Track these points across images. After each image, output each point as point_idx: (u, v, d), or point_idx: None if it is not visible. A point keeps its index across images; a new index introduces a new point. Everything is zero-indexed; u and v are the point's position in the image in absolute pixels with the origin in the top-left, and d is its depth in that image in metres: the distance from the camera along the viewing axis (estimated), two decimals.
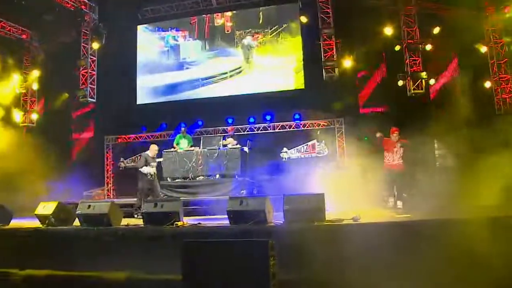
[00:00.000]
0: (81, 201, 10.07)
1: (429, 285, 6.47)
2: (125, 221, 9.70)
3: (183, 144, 15.22)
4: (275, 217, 8.78)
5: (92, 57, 18.09)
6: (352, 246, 7.03)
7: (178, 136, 15.61)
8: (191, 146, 15.19)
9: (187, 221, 9.26)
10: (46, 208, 9.79)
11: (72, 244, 8.67)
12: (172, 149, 15.08)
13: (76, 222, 9.61)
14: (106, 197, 18.66)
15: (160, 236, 8.23)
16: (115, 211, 9.35)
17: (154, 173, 12.42)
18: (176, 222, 8.65)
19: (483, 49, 15.58)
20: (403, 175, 11.19)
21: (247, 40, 18.21)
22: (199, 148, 15.02)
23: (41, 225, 9.59)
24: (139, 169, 12.37)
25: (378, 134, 11.51)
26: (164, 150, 15.19)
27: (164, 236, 8.21)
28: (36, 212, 9.85)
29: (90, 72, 17.96)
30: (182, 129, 15.45)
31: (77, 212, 9.37)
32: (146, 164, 12.31)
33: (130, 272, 7.66)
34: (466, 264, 6.25)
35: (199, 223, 8.92)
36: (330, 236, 7.47)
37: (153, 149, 12.66)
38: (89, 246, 8.49)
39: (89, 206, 9.33)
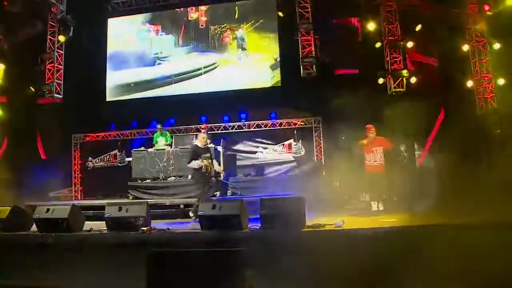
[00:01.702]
0: (38, 204, 9.30)
1: None
2: (88, 226, 8.95)
3: (160, 142, 14.68)
4: (252, 222, 8.13)
5: (59, 50, 17.10)
6: (335, 255, 6.43)
7: (155, 134, 15.08)
8: (169, 143, 14.74)
9: (155, 226, 8.57)
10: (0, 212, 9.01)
11: (27, 251, 7.90)
12: (143, 148, 14.37)
13: (35, 228, 8.84)
14: (73, 198, 17.72)
15: (123, 243, 7.51)
16: (76, 216, 8.63)
17: (208, 164, 10.31)
18: (142, 228, 7.94)
19: (465, 47, 15.15)
20: (384, 177, 10.83)
21: (240, 32, 17.46)
22: (170, 148, 14.33)
23: None
24: (188, 166, 10.54)
25: (364, 141, 11.02)
26: (133, 149, 14.54)
27: (128, 244, 7.49)
28: None
29: (57, 67, 16.96)
30: (158, 126, 14.92)
31: (34, 216, 8.60)
32: (196, 157, 10.27)
33: (90, 284, 6.92)
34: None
35: (168, 229, 8.23)
36: (311, 244, 6.88)
37: (202, 138, 10.66)
38: (45, 254, 7.75)
39: (48, 209, 8.60)
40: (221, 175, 12.95)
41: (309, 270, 6.29)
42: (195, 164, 10.16)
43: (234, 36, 17.56)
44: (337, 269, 6.15)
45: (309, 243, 7.02)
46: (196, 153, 10.28)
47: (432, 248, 6.09)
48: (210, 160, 10.38)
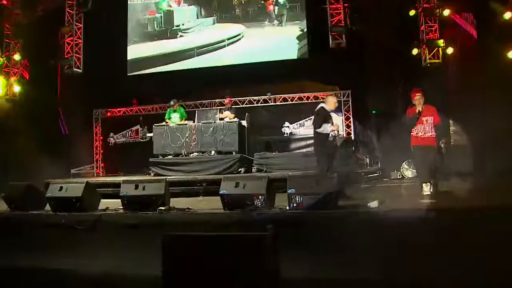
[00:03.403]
0: (51, 181, 8.82)
1: None
2: (106, 204, 8.45)
3: (174, 118, 14.10)
4: (279, 201, 7.52)
5: (77, 24, 16.60)
6: (369, 238, 5.82)
7: (169, 109, 14.51)
8: (185, 120, 14.02)
9: (175, 204, 8.02)
10: (15, 189, 8.56)
11: (40, 232, 7.45)
12: (164, 124, 13.85)
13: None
14: (95, 174, 17.47)
15: (140, 224, 6.97)
16: (91, 194, 8.12)
17: (337, 134, 9.21)
18: (160, 207, 7.38)
19: (507, 15, 14.11)
20: (436, 152, 9.18)
21: None
22: (193, 122, 13.78)
23: (6, 209, 8.32)
24: (316, 130, 8.93)
25: (419, 108, 8.64)
26: (155, 124, 14.01)
27: (145, 224, 6.95)
28: (2, 194, 8.61)
29: (76, 40, 16.49)
30: (172, 102, 14.25)
31: (47, 195, 8.12)
32: (327, 120, 8.91)
33: (105, 266, 6.41)
34: None
35: (188, 208, 7.64)
36: (343, 226, 6.24)
37: (332, 101, 9.24)
38: (59, 234, 7.27)
39: (61, 188, 8.08)
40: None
41: (339, 255, 5.68)
42: (327, 128, 8.72)
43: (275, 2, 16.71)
44: (369, 255, 5.57)
45: (340, 225, 6.38)
46: (327, 116, 8.88)
47: None
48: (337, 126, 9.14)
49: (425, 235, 5.80)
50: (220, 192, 7.26)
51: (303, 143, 15.75)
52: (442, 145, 11.74)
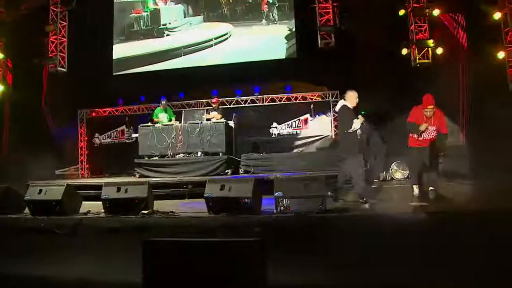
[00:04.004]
0: (31, 184, 8.54)
1: None
2: (88, 207, 8.18)
3: (162, 118, 13.84)
4: (266, 203, 7.30)
5: (62, 22, 16.29)
6: (358, 242, 5.68)
7: (157, 109, 14.28)
8: (173, 120, 13.89)
9: (159, 207, 7.78)
10: None
11: (18, 236, 7.17)
12: (150, 124, 13.58)
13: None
14: (80, 176, 17.13)
15: (122, 228, 6.72)
16: (71, 197, 7.84)
17: (360, 133, 8.41)
18: (143, 211, 7.13)
19: (497, 15, 14.00)
20: (433, 153, 8.38)
21: None
22: (179, 123, 13.54)
23: None
24: (350, 130, 8.01)
25: (423, 127, 8.15)
26: (140, 125, 13.75)
27: (127, 229, 6.69)
28: None
29: (60, 39, 16.18)
30: (162, 102, 14.00)
31: (25, 198, 7.83)
32: (354, 116, 8.11)
33: (82, 272, 6.15)
34: None
35: (172, 212, 7.40)
36: (333, 230, 6.03)
37: (353, 96, 8.31)
38: (37, 239, 7.00)
39: (40, 190, 7.80)
40: None
41: (328, 259, 5.48)
42: (358, 123, 7.95)
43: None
44: (360, 259, 5.38)
45: (329, 229, 6.17)
46: (350, 115, 8.05)
47: None
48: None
49: (417, 239, 5.63)
50: (205, 195, 7.02)
51: (292, 143, 15.65)
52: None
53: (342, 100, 8.31)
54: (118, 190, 7.53)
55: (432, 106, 7.96)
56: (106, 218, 7.31)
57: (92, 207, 8.28)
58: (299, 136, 15.85)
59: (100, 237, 6.76)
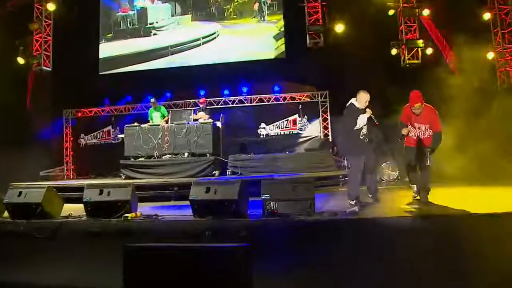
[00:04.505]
0: (10, 186, 8.28)
1: None
2: (70, 210, 7.94)
3: (155, 118, 13.67)
4: (253, 206, 7.11)
5: (47, 20, 16.01)
6: (351, 248, 5.54)
7: (150, 110, 14.06)
8: (166, 118, 13.73)
9: (143, 210, 7.57)
10: None
11: None
12: (136, 124, 13.34)
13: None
14: (65, 177, 16.90)
15: (103, 232, 6.50)
16: (52, 199, 7.58)
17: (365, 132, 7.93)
18: (126, 214, 6.91)
19: (486, 15, 13.96)
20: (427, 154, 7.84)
21: None
22: (166, 123, 13.31)
23: None
24: (356, 128, 7.72)
25: (404, 131, 7.89)
26: (126, 125, 13.49)
27: (109, 233, 6.48)
28: None
29: (45, 37, 15.91)
30: (152, 100, 13.81)
31: (4, 201, 7.58)
32: (357, 114, 7.75)
33: (62, 278, 5.94)
34: None
35: (156, 215, 7.18)
36: (322, 234, 5.87)
37: (363, 97, 7.80)
38: (16, 243, 6.78)
39: (20, 193, 7.54)
40: None
41: (318, 266, 5.31)
42: (363, 119, 7.64)
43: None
44: (350, 264, 5.29)
45: (318, 233, 6.01)
46: (355, 114, 7.71)
47: None
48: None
49: (409, 242, 5.49)
50: (190, 198, 6.81)
51: (281, 144, 15.52)
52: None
53: (353, 99, 7.98)
54: (101, 192, 7.30)
55: (419, 104, 7.54)
56: (88, 222, 7.08)
57: (74, 209, 8.04)
58: (288, 137, 15.79)
59: (81, 241, 6.54)
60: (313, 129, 15.71)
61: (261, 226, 6.24)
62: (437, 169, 10.15)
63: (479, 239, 5.22)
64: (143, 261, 4.49)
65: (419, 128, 7.75)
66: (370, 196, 8.09)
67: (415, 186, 8.13)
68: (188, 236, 6.21)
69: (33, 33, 15.78)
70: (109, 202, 7.17)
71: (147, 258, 4.51)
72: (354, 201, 7.60)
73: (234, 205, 6.51)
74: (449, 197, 8.06)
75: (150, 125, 13.21)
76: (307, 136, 15.68)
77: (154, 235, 6.34)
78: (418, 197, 7.93)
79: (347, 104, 8.06)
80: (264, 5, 16.11)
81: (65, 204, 8.29)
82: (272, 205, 6.67)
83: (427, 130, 7.71)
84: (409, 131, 7.85)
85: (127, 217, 6.90)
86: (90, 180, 13.59)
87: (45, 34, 15.93)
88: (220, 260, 4.28)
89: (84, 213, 7.50)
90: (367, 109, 7.73)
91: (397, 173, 12.14)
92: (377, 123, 7.73)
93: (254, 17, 16.19)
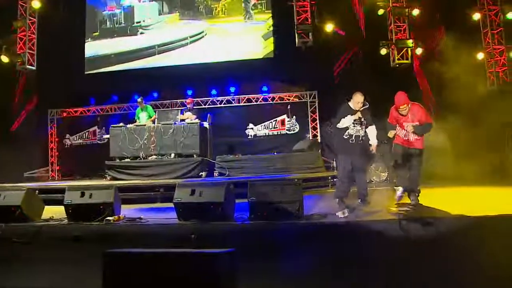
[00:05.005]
0: None
1: None
2: (51, 213, 7.71)
3: (142, 118, 13.45)
4: (240, 209, 6.92)
5: (31, 18, 15.69)
6: (341, 252, 5.37)
7: (137, 109, 13.82)
8: (153, 118, 13.48)
9: (127, 213, 7.35)
10: None
11: None
12: (121, 124, 13.11)
13: None
14: (50, 178, 16.63)
15: (84, 236, 6.26)
16: (32, 202, 7.34)
17: (356, 135, 7.64)
18: (108, 217, 6.69)
19: (476, 16, 13.88)
20: (422, 156, 7.78)
21: None
22: (153, 123, 13.10)
23: None
24: (336, 128, 7.71)
25: (390, 134, 7.84)
26: (112, 125, 13.27)
27: (90, 237, 6.25)
28: None
29: (29, 36, 15.57)
30: (138, 100, 13.55)
31: None
32: (347, 114, 7.59)
33: (42, 284, 5.70)
34: None
35: (140, 218, 6.97)
36: (311, 238, 5.70)
37: (356, 99, 7.55)
38: None
39: None
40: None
41: (306, 272, 5.12)
42: (348, 120, 7.48)
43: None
44: (340, 269, 5.04)
45: (306, 237, 5.83)
46: (345, 115, 7.52)
47: None
48: (361, 127, 7.61)
49: (400, 247, 5.34)
50: (174, 201, 6.61)
51: (268, 145, 15.35)
52: None
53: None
54: (82, 195, 7.08)
55: (404, 105, 7.44)
56: (68, 225, 6.86)
57: (57, 212, 7.81)
58: (276, 137, 15.65)
59: (61, 246, 6.31)
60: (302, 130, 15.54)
61: (247, 230, 6.05)
62: (427, 170, 10.11)
63: (467, 242, 5.12)
64: (124, 267, 4.27)
65: (407, 127, 7.53)
66: (359, 199, 7.91)
67: (400, 188, 7.92)
68: (171, 241, 6.01)
69: (17, 31, 15.47)
70: (90, 205, 6.96)
71: (128, 265, 4.29)
72: (337, 201, 7.43)
73: (220, 208, 6.33)
74: (439, 198, 7.96)
75: (136, 125, 13.00)
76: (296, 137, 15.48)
77: (137, 239, 6.13)
78: (408, 199, 7.79)
79: (342, 105, 7.89)
80: (248, 2, 15.94)
81: (49, 207, 8.09)
82: (259, 208, 6.48)
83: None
84: (396, 133, 7.73)
85: (109, 220, 6.69)
86: (75, 182, 13.36)
87: (29, 32, 15.55)
88: (204, 267, 4.07)
89: (66, 216, 7.28)
90: (357, 114, 7.51)
91: (386, 174, 12.04)
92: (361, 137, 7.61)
93: (242, 16, 16.01)
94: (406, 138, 7.64)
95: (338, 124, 7.53)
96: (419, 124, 7.44)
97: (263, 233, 5.84)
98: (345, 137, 7.59)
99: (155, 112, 13.85)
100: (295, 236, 5.80)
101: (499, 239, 5.16)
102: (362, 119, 7.58)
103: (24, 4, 15.51)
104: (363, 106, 7.58)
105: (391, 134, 7.69)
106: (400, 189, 7.83)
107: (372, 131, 7.70)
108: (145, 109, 13.56)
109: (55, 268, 5.85)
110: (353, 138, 7.60)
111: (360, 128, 7.60)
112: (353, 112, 7.49)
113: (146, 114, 13.45)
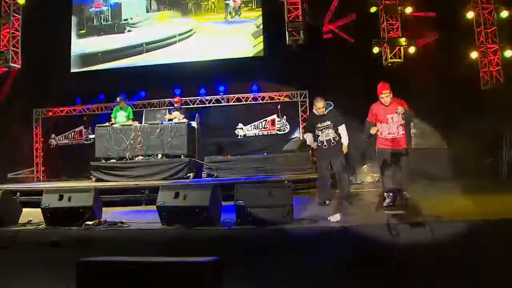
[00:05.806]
0: None
1: None
2: (30, 216, 7.37)
3: (120, 117, 13.10)
4: (227, 211, 6.64)
5: (15, 15, 15.31)
6: (331, 258, 5.07)
7: (115, 108, 13.52)
8: (132, 120, 13.12)
9: (109, 216, 7.04)
10: None
11: None
12: (107, 124, 12.82)
13: None
14: (35, 179, 16.29)
15: (62, 241, 5.95)
16: (8, 205, 7.01)
17: (327, 139, 8.04)
18: (87, 222, 6.37)
19: (469, 14, 13.68)
20: (407, 156, 7.61)
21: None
22: (139, 123, 12.80)
23: None
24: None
25: (373, 130, 7.51)
26: (97, 125, 12.97)
27: (68, 242, 5.93)
28: None
29: (13, 33, 15.18)
30: (118, 99, 13.30)
31: None
32: (311, 128, 8.21)
33: None
34: None
35: (121, 222, 6.65)
36: (301, 243, 5.43)
37: (316, 105, 8.09)
38: None
39: None
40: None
41: (297, 280, 4.85)
42: (308, 139, 8.19)
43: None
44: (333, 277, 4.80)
45: (296, 242, 5.56)
46: (311, 123, 8.17)
47: None
48: (330, 130, 8.01)
49: (394, 252, 5.12)
50: (157, 204, 6.31)
51: (258, 145, 15.11)
52: None
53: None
54: (61, 198, 6.75)
55: (387, 91, 7.47)
56: (46, 230, 6.53)
57: (37, 215, 7.47)
58: (266, 137, 15.45)
59: (38, 252, 5.98)
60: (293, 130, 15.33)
61: (233, 236, 5.76)
62: (419, 169, 9.93)
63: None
64: (99, 278, 3.95)
65: (392, 119, 7.42)
66: (343, 199, 8.09)
67: (390, 194, 7.69)
68: (154, 246, 5.71)
69: (0, 28, 15.10)
70: (69, 208, 6.63)
71: (104, 275, 3.97)
72: (319, 203, 7.84)
73: (205, 212, 6.04)
74: (431, 199, 7.82)
75: (122, 125, 12.73)
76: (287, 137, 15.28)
77: (118, 245, 5.83)
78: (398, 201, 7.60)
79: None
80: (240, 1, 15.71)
81: (30, 210, 7.77)
82: (246, 212, 6.18)
83: (398, 122, 7.41)
84: (378, 129, 7.55)
85: (89, 225, 6.36)
86: (60, 183, 13.06)
87: (13, 29, 15.19)
88: (186, 276, 3.78)
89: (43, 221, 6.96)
90: (308, 135, 8.30)
91: (379, 175, 11.83)
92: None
93: (229, 15, 15.75)
94: (391, 136, 7.49)
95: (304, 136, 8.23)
96: (402, 127, 7.49)
97: (250, 239, 5.56)
98: (318, 144, 8.06)
99: (142, 113, 13.60)
100: (284, 242, 5.52)
101: (493, 242, 4.98)
102: (329, 122, 8.02)
103: (8, 1, 15.13)
104: (326, 109, 8.13)
105: (373, 130, 7.47)
106: (390, 195, 7.66)
107: (342, 131, 8.13)
108: (125, 109, 13.28)
109: (30, 276, 5.56)
110: (325, 143, 8.04)
111: (330, 131, 8.04)
112: (318, 119, 8.03)
113: (125, 115, 13.16)
